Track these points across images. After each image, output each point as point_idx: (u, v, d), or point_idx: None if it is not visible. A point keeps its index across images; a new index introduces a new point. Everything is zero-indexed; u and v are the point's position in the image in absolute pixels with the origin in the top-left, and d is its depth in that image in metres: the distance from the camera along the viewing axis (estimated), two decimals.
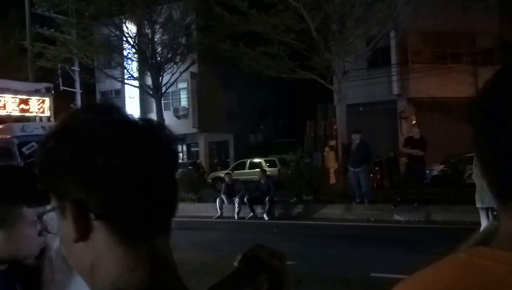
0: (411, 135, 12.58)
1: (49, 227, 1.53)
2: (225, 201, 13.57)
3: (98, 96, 28.68)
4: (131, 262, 0.68)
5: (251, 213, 13.21)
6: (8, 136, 9.93)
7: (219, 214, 13.27)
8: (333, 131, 19.30)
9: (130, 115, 0.73)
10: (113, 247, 0.68)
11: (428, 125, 16.07)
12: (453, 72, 18.26)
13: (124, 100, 26.37)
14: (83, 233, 0.68)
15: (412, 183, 12.03)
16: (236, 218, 13.13)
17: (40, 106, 12.31)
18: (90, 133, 0.67)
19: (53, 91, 14.89)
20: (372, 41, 15.16)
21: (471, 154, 13.57)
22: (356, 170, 12.25)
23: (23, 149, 9.02)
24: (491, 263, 0.57)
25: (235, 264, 0.86)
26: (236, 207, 13.29)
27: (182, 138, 26.16)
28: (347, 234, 10.25)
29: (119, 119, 0.70)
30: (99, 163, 0.65)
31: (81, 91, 21.56)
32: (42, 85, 14.70)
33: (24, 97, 11.95)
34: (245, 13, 14.90)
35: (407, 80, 19.70)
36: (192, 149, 28.74)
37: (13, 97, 11.60)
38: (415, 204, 11.52)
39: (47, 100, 13.26)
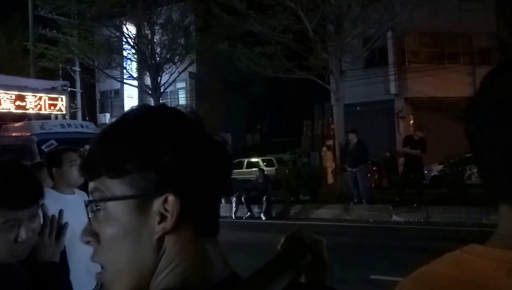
0: (410, 134, 12.55)
1: (24, 235, 1.42)
2: (223, 201, 13.61)
3: (97, 96, 28.86)
4: (185, 250, 0.74)
5: (248, 213, 13.21)
6: (28, 134, 9.83)
7: None
8: (331, 131, 19.27)
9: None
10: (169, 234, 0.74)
11: (426, 125, 16.05)
12: (451, 72, 18.29)
13: (123, 100, 26.49)
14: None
15: (410, 183, 11.98)
16: (233, 217, 13.10)
17: (37, 103, 12.28)
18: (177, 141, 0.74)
19: (69, 89, 14.94)
20: (369, 41, 15.15)
21: (471, 154, 13.61)
22: (354, 170, 12.25)
23: (43, 147, 8.82)
24: (481, 260, 0.59)
25: (278, 247, 0.90)
26: (234, 206, 13.27)
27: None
28: (346, 235, 10.15)
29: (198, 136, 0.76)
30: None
31: (81, 91, 21.68)
32: (58, 83, 14.72)
33: (20, 93, 11.95)
34: (243, 14, 14.96)
35: (404, 80, 19.70)
36: None
37: (7, 93, 11.57)
38: (415, 205, 11.49)
39: (63, 97, 13.33)
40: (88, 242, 0.76)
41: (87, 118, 19.69)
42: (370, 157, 13.44)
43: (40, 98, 12.33)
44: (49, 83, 14.43)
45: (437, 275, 0.61)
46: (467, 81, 18.46)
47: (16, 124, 10.89)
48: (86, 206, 0.76)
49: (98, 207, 0.75)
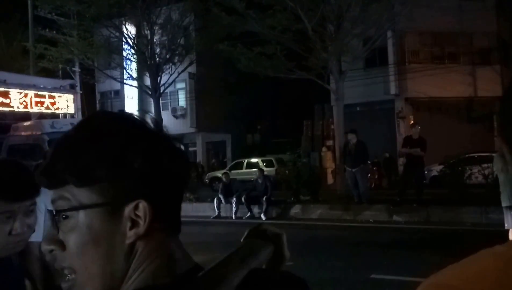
0: (409, 134, 12.53)
1: (19, 228, 1.46)
2: (223, 201, 13.54)
3: (97, 97, 28.85)
4: (168, 254, 0.76)
5: (249, 213, 13.17)
6: (38, 133, 9.87)
7: (216, 214, 13.26)
8: (331, 131, 19.21)
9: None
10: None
11: (426, 125, 16.01)
12: (451, 72, 18.21)
13: (123, 100, 26.49)
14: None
15: (411, 183, 11.94)
16: (233, 218, 13.10)
17: (22, 100, 12.17)
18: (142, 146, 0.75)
19: (77, 88, 14.94)
20: (369, 41, 15.13)
21: (471, 155, 13.62)
22: (353, 170, 12.19)
23: None
24: None
25: (242, 240, 0.93)
26: (234, 207, 13.24)
27: (179, 138, 26.21)
28: (346, 235, 10.17)
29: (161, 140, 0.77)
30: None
31: (81, 92, 21.66)
32: (66, 82, 14.71)
33: (2, 89, 11.85)
34: (243, 14, 14.93)
35: (404, 80, 19.61)
36: (190, 149, 28.70)
37: None
38: (415, 205, 11.45)
39: (71, 96, 13.24)
40: (51, 251, 0.74)
41: None
42: (370, 157, 13.36)
43: (25, 95, 12.18)
44: (57, 82, 14.50)
45: (489, 278, 0.54)
46: (467, 81, 18.44)
47: (26, 123, 10.84)
48: (54, 216, 0.74)
49: (65, 216, 0.73)
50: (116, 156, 0.71)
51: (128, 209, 0.72)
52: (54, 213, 0.74)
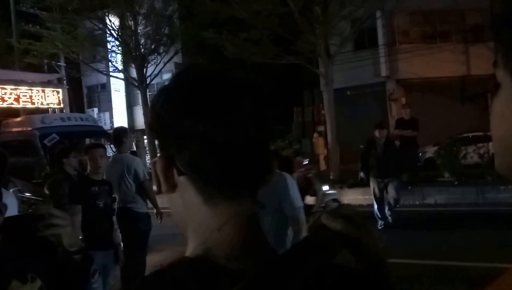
0: (401, 116, 12.40)
1: None
2: None
3: (84, 91, 28.69)
4: (217, 222, 0.73)
5: None
6: (29, 128, 9.75)
7: None
8: (321, 117, 19.05)
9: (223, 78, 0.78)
10: (200, 205, 0.74)
11: (419, 106, 15.74)
12: (443, 51, 17.87)
13: (110, 94, 26.37)
14: (169, 187, 0.75)
15: (405, 165, 11.78)
16: None
17: (15, 96, 12.10)
18: (181, 98, 0.73)
19: (65, 82, 14.89)
20: (357, 22, 14.88)
21: (466, 134, 13.41)
22: (385, 180, 8.77)
23: (45, 141, 8.87)
24: None
25: (307, 229, 0.86)
26: None
27: None
28: None
29: (212, 82, 0.75)
30: (185, 126, 0.71)
31: (67, 87, 21.42)
32: (54, 76, 14.69)
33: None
34: None
35: (395, 61, 19.21)
36: None
37: None
38: (409, 187, 11.32)
39: (60, 91, 13.15)
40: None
41: None
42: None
43: (13, 90, 12.08)
44: (45, 76, 14.62)
45: None
46: (460, 60, 18.15)
47: (16, 119, 10.90)
48: None
49: None
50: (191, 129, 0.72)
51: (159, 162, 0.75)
52: None
